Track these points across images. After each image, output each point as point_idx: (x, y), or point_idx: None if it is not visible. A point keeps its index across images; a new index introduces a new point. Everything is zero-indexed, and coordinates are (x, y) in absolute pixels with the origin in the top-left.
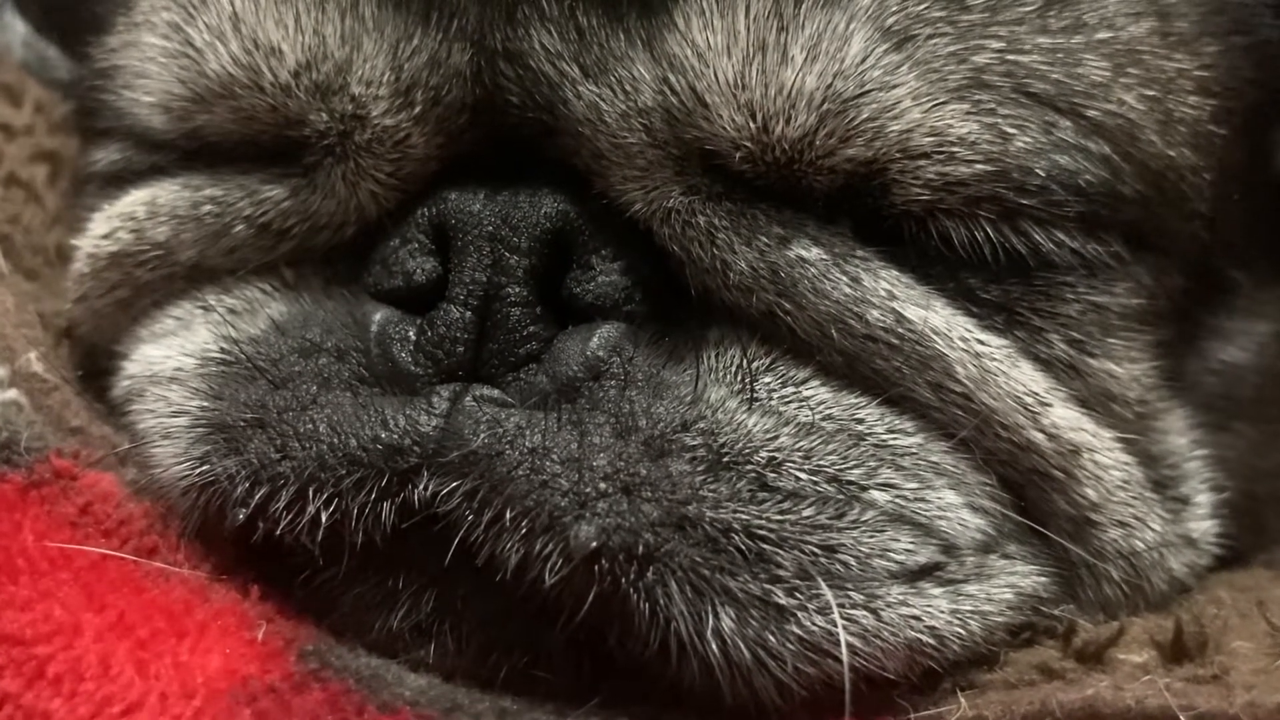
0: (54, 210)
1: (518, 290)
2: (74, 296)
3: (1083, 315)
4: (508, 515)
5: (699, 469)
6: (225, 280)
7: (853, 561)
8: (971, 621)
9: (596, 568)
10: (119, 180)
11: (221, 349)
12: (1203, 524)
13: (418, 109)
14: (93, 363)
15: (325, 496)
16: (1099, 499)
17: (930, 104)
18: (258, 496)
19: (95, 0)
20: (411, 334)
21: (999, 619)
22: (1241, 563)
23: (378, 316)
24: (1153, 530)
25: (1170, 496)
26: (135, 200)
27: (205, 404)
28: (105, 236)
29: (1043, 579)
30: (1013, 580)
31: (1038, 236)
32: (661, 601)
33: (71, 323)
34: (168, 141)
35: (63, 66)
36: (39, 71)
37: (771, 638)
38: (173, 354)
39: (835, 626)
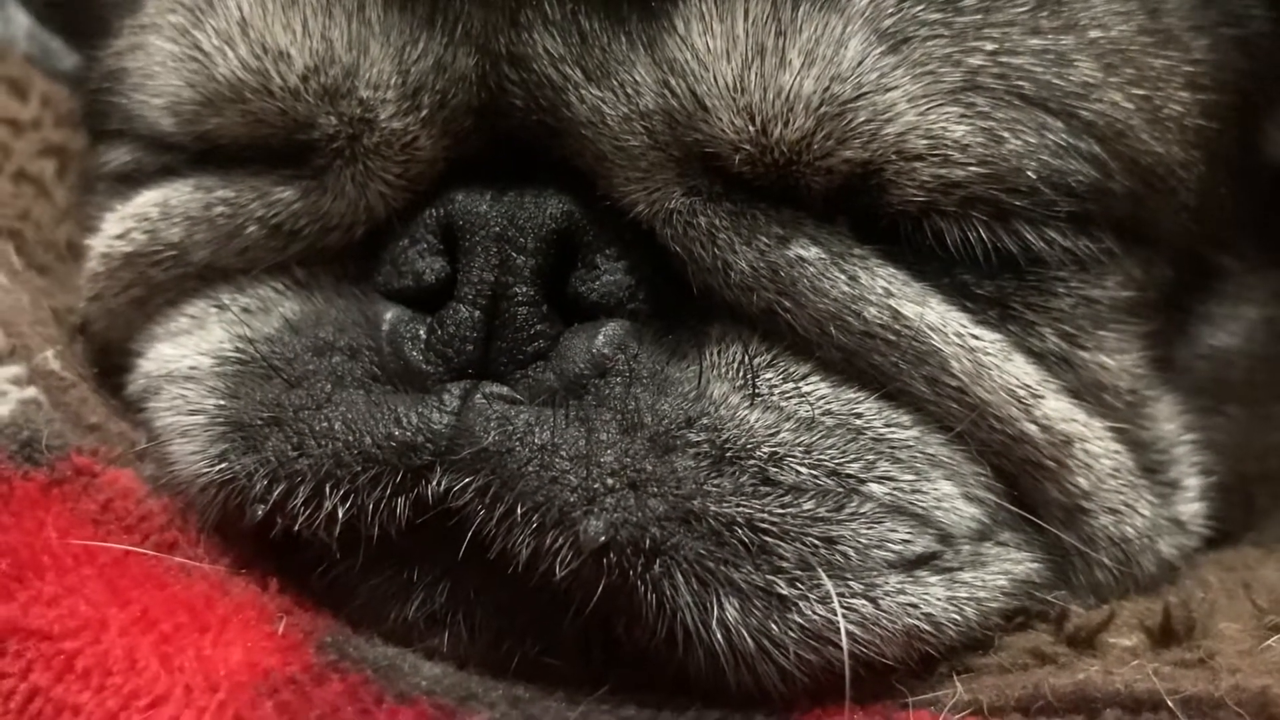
0: (63, 205)
1: (524, 289)
2: (88, 295)
3: (1074, 309)
4: (519, 510)
5: (703, 464)
6: (239, 279)
7: (852, 552)
8: (967, 608)
9: (605, 561)
10: (130, 180)
11: (237, 348)
12: (1191, 506)
13: (424, 112)
14: (106, 359)
15: (342, 493)
16: (1090, 487)
17: (925, 106)
18: (276, 493)
19: (100, 2)
20: (422, 333)
21: (993, 605)
22: (1231, 541)
23: (389, 315)
24: (1142, 516)
25: (1160, 481)
26: (148, 201)
27: (222, 402)
28: (119, 237)
29: (1036, 565)
30: (1007, 567)
31: (1029, 236)
32: (668, 593)
33: (85, 320)
34: (178, 143)
35: (67, 57)
36: (43, 63)
37: (774, 627)
38: (188, 352)
39: (835, 615)
